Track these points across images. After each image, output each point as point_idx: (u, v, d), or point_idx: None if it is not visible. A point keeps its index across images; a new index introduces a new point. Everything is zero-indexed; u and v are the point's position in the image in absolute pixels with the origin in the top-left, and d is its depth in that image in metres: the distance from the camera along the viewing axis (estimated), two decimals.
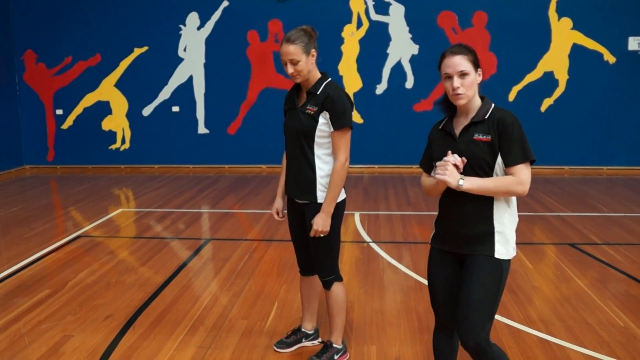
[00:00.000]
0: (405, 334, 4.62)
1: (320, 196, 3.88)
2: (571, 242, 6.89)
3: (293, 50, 3.72)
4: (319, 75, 3.88)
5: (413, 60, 11.87)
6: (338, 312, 4.09)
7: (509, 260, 3.06)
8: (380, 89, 11.99)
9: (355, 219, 8.05)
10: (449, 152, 3.00)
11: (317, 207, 3.87)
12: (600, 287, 5.54)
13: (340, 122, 3.75)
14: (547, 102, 11.60)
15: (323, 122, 3.79)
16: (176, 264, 6.32)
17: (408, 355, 4.28)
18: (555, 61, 11.53)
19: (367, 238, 7.19)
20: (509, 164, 2.91)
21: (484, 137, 2.95)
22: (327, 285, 4.04)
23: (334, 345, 4.15)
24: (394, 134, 12.06)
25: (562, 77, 11.58)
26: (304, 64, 3.74)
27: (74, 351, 4.36)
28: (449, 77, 3.02)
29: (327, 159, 3.88)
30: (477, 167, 2.96)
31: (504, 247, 3.03)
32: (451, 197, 3.07)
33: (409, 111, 11.98)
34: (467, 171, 2.98)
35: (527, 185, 2.91)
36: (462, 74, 2.98)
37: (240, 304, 5.23)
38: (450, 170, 2.92)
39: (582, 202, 8.98)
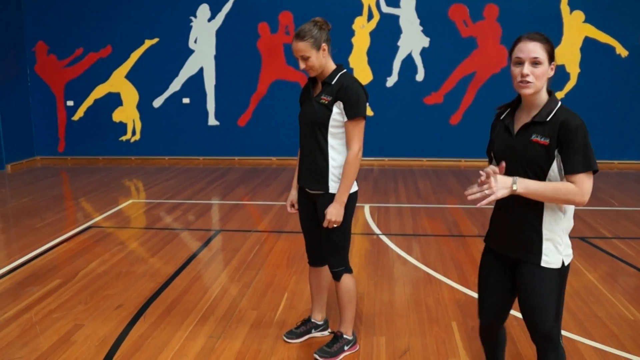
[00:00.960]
0: (415, 325, 4.62)
1: (333, 186, 3.89)
2: (582, 235, 6.87)
3: (302, 47, 3.75)
4: (334, 66, 3.90)
5: (424, 52, 11.84)
6: (348, 303, 4.11)
7: (563, 267, 2.93)
8: (391, 81, 11.97)
9: (365, 211, 8.05)
10: (481, 172, 2.77)
11: (330, 198, 3.89)
12: (610, 281, 5.53)
13: (353, 111, 3.76)
14: (558, 96, 11.44)
15: (337, 112, 3.80)
16: (186, 255, 6.34)
17: (417, 347, 4.29)
18: (566, 54, 11.47)
19: (376, 230, 7.20)
20: (569, 171, 2.74)
21: (542, 139, 2.77)
22: (336, 277, 4.05)
23: (344, 336, 4.16)
24: (404, 127, 12.04)
25: (573, 70, 11.52)
26: (314, 59, 3.76)
27: (84, 340, 4.39)
28: (520, 63, 2.83)
29: (341, 149, 3.89)
30: (530, 169, 2.81)
31: (552, 255, 2.90)
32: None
33: (420, 104, 11.95)
34: (519, 172, 2.83)
35: (587, 196, 2.74)
36: (535, 62, 2.79)
37: (250, 295, 5.25)
38: (494, 186, 2.72)
39: (593, 196, 8.83)
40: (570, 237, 3.03)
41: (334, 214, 3.82)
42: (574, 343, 4.31)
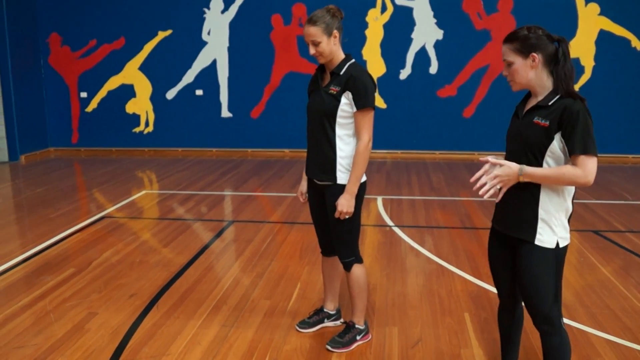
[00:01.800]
0: (427, 316, 4.62)
1: (340, 177, 3.89)
2: (595, 229, 6.84)
3: (314, 31, 3.75)
4: (343, 56, 3.89)
5: (437, 45, 11.80)
6: (359, 293, 4.11)
7: (558, 249, 3.03)
8: (404, 74, 11.94)
9: (378, 203, 8.05)
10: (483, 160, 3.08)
11: (337, 188, 3.89)
12: (624, 274, 5.51)
13: (362, 102, 3.76)
14: None
15: (345, 103, 3.79)
16: (199, 245, 6.36)
17: (430, 337, 4.29)
18: (581, 47, 11.39)
19: (389, 222, 7.19)
20: (570, 152, 2.87)
21: (543, 121, 2.92)
22: (347, 267, 4.06)
23: (357, 325, 4.17)
24: (417, 120, 12.01)
25: (588, 63, 11.45)
26: (325, 44, 3.76)
27: (98, 328, 4.42)
28: None
29: (348, 140, 3.88)
30: (529, 149, 2.98)
31: (547, 235, 3.01)
32: None
33: (433, 97, 11.92)
34: (521, 152, 3.02)
35: (591, 177, 2.85)
36: (507, 63, 3.04)
37: (263, 285, 5.26)
38: (501, 178, 2.98)
39: (607, 190, 8.90)
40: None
41: (345, 205, 3.82)
42: (586, 335, 4.29)
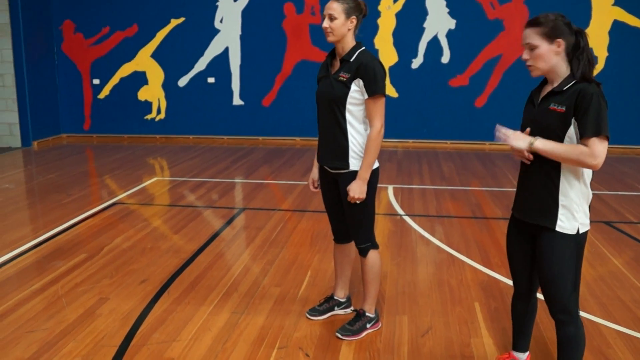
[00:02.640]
0: (437, 305, 4.63)
1: (352, 163, 3.90)
2: (607, 220, 6.81)
3: (335, 6, 3.77)
4: (353, 43, 3.89)
5: (450, 34, 11.75)
6: (373, 279, 4.12)
7: (579, 235, 3.03)
8: (416, 63, 11.90)
9: (389, 192, 8.04)
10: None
11: (351, 175, 3.89)
12: (635, 266, 5.49)
13: (373, 88, 3.76)
14: None
15: (355, 89, 3.79)
16: (210, 232, 6.38)
17: (439, 326, 4.29)
18: (594, 38, 11.30)
19: (400, 211, 7.19)
20: (582, 135, 2.86)
21: (559, 107, 2.92)
22: (363, 253, 4.07)
23: (367, 314, 4.17)
24: (429, 109, 11.98)
25: (601, 54, 11.37)
26: (340, 23, 3.77)
27: (110, 313, 4.45)
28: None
29: (359, 127, 3.88)
30: (546, 135, 2.96)
31: (568, 221, 3.01)
32: (523, 164, 3.14)
33: (445, 86, 11.88)
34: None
35: (600, 159, 2.83)
36: (530, 47, 3.01)
37: (274, 272, 5.27)
38: (512, 136, 3.04)
39: (619, 181, 8.86)
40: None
41: (357, 190, 3.82)
42: (597, 326, 4.29)
